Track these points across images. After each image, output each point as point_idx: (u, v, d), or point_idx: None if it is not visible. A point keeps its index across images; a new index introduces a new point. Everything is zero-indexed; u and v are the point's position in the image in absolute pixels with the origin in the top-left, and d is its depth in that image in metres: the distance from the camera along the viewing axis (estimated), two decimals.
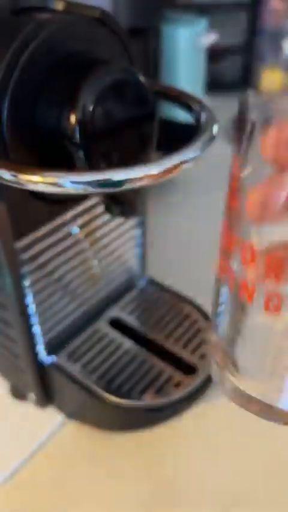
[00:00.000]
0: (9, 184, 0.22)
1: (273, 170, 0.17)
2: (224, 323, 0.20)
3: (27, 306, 0.32)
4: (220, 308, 0.20)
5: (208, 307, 0.41)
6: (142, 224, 0.38)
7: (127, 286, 0.43)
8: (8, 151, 0.25)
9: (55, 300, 0.34)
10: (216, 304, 0.20)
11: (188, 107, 0.29)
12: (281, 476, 0.36)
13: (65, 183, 0.21)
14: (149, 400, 0.34)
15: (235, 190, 0.18)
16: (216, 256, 0.20)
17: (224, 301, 0.19)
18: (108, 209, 0.29)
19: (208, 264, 0.55)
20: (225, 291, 0.19)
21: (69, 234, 0.33)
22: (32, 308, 0.32)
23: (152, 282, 0.44)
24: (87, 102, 0.24)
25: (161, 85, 0.31)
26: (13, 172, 0.22)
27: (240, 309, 0.18)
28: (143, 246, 0.40)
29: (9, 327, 0.33)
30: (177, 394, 0.34)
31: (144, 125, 0.27)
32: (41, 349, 0.35)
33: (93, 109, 0.24)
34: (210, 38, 0.71)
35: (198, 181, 0.72)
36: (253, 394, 0.19)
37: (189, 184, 0.71)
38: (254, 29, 1.01)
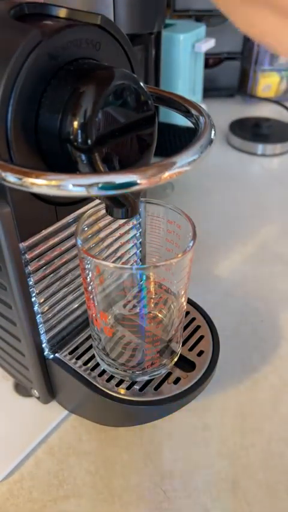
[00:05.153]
0: (14, 187, 0.22)
1: None
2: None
3: (32, 304, 0.33)
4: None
5: (206, 305, 0.42)
6: (140, 225, 0.39)
7: None
8: (12, 155, 0.26)
9: (58, 299, 0.35)
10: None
11: (186, 112, 0.30)
12: (279, 468, 0.37)
13: (67, 185, 0.22)
14: (148, 395, 0.34)
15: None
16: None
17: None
18: (109, 211, 0.29)
19: (206, 264, 0.56)
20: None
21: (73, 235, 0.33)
22: (36, 307, 0.33)
23: None
24: (90, 107, 0.25)
25: (160, 90, 0.32)
26: (18, 175, 0.22)
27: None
28: (142, 246, 0.41)
29: (14, 325, 0.34)
30: (176, 390, 0.35)
31: (144, 129, 0.28)
32: (44, 346, 0.36)
33: (95, 114, 0.25)
34: (208, 44, 0.71)
35: (196, 184, 0.73)
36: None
37: (187, 186, 0.72)
38: None
